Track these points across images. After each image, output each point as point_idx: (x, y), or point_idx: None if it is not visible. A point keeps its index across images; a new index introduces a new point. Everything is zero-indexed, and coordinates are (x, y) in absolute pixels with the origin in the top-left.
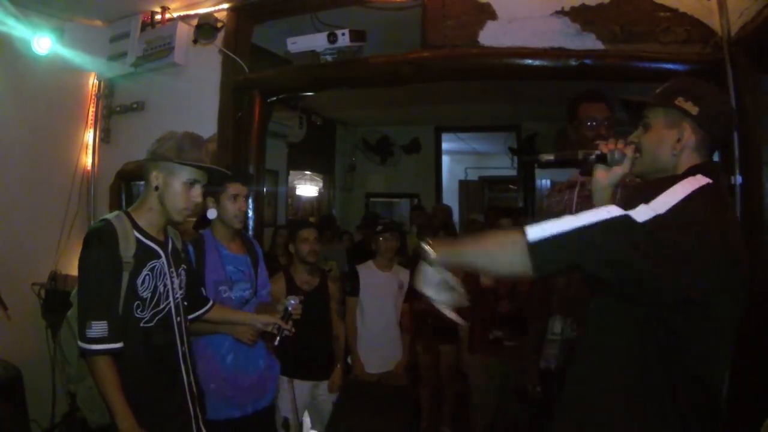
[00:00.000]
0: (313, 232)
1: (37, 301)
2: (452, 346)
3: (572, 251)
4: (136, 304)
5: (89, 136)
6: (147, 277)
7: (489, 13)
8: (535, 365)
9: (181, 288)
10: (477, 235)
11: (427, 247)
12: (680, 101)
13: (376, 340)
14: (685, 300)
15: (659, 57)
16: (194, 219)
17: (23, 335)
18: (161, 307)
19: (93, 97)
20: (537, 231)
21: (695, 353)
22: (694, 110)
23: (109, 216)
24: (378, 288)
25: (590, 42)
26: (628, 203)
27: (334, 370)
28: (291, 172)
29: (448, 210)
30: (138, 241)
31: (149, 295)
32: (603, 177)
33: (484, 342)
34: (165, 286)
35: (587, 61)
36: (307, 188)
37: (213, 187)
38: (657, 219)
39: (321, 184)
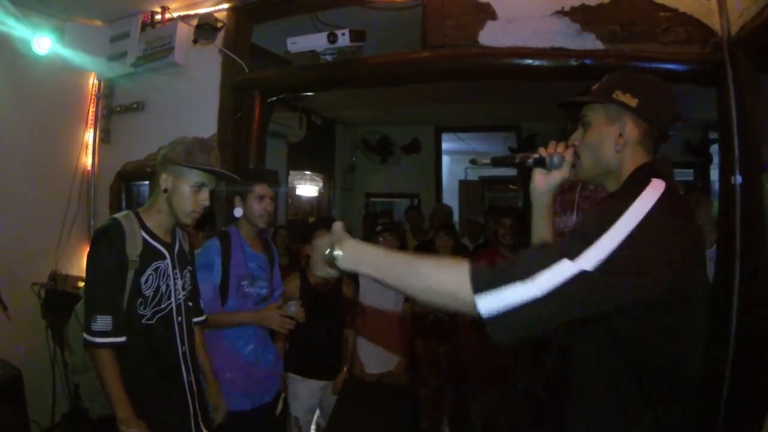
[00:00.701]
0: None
1: (37, 301)
2: (452, 346)
3: (531, 324)
4: (139, 301)
5: (89, 136)
6: (151, 276)
7: (489, 13)
8: (543, 368)
9: (184, 289)
10: (415, 252)
11: (336, 249)
12: (618, 94)
13: (377, 339)
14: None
15: (659, 57)
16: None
17: (23, 335)
18: (162, 306)
19: (93, 97)
20: (488, 302)
21: (647, 346)
22: (633, 102)
23: (119, 215)
24: (377, 288)
25: (590, 42)
26: (586, 221)
27: (341, 371)
28: (291, 172)
29: (448, 210)
30: (144, 241)
31: (151, 293)
32: (542, 181)
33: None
34: (168, 286)
35: (587, 61)
36: (307, 188)
37: (240, 187)
38: (607, 263)
39: (321, 184)
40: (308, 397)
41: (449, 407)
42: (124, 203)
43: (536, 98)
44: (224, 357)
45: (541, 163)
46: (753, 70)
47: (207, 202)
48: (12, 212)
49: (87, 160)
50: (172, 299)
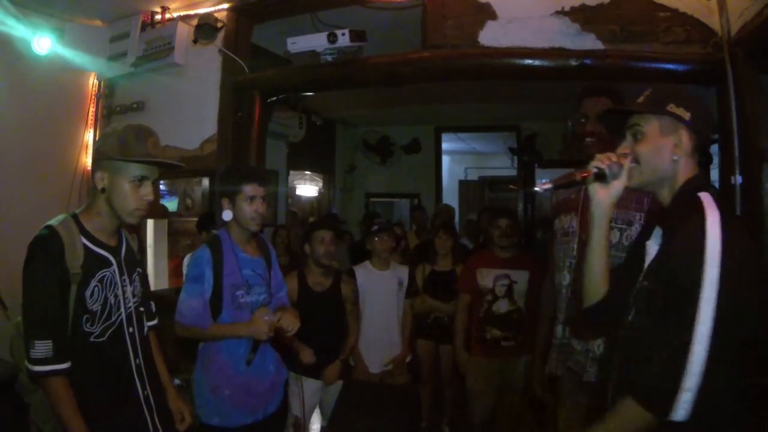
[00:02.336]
0: (330, 234)
1: None
2: (452, 346)
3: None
4: (85, 318)
5: (89, 136)
6: (96, 288)
7: (489, 13)
8: (543, 369)
9: (135, 296)
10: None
11: None
12: (672, 107)
13: (378, 339)
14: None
15: (659, 57)
16: (195, 219)
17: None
18: (113, 319)
19: (93, 97)
20: (682, 409)
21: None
22: (686, 115)
23: (54, 222)
24: (377, 288)
25: (590, 42)
26: (645, 232)
27: (336, 360)
28: (291, 172)
29: (450, 211)
30: (86, 248)
31: (99, 308)
32: (604, 195)
33: (480, 342)
34: (116, 296)
35: (587, 61)
36: (307, 188)
37: (227, 188)
38: (730, 276)
39: (321, 184)
40: (308, 397)
41: (449, 407)
42: None
43: (536, 98)
44: (222, 373)
45: (601, 176)
46: (753, 70)
47: (151, 197)
48: (12, 212)
49: (87, 160)
50: (122, 309)
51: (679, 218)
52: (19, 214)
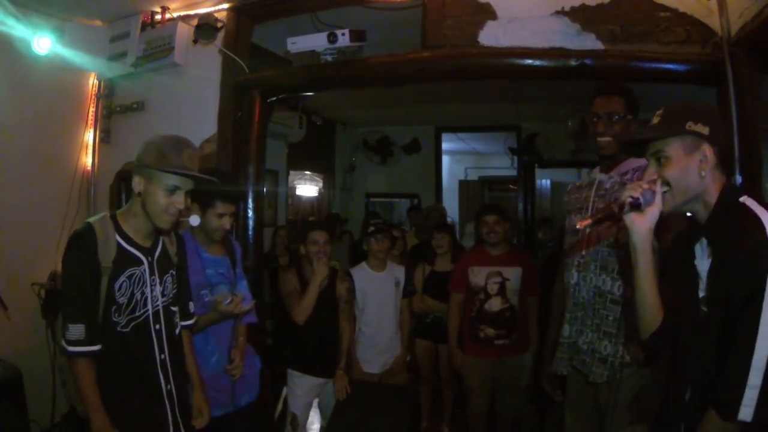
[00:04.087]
0: (323, 235)
1: (37, 301)
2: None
3: None
4: (113, 308)
5: (89, 136)
6: (124, 283)
7: (489, 13)
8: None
9: (164, 295)
10: None
11: None
12: (691, 125)
13: (378, 340)
14: None
15: (659, 57)
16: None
17: (23, 335)
18: (137, 314)
19: (93, 97)
20: (748, 407)
21: None
22: (705, 131)
23: (93, 219)
24: (375, 289)
25: (590, 42)
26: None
27: (337, 370)
28: (291, 172)
29: (442, 211)
30: (119, 246)
31: (125, 301)
32: (642, 222)
33: (474, 341)
34: (143, 294)
35: (587, 61)
36: (307, 188)
37: (202, 197)
38: None
39: (321, 184)
40: (305, 394)
41: (449, 407)
42: (124, 203)
43: (536, 98)
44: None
45: (636, 205)
46: (753, 70)
47: (181, 206)
48: (12, 212)
49: (87, 160)
50: (149, 306)
51: (729, 226)
52: (19, 214)
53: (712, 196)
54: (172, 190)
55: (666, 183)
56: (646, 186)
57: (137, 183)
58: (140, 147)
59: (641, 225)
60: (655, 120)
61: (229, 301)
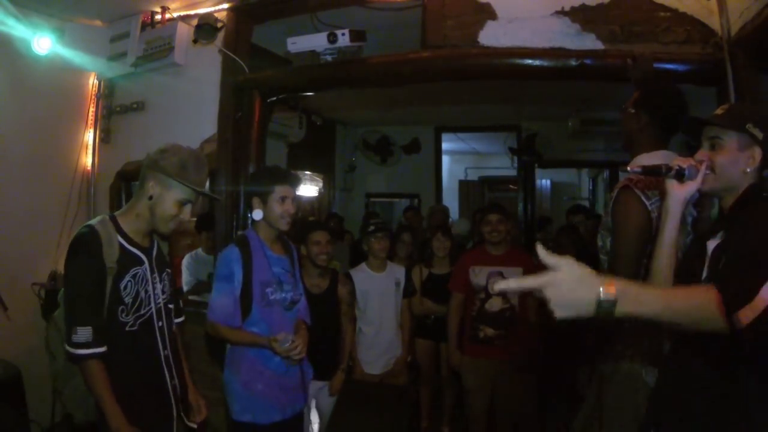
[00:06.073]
0: (325, 235)
1: (37, 301)
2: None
3: None
4: (120, 308)
5: (89, 136)
6: (129, 282)
7: (489, 13)
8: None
9: (164, 293)
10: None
11: (603, 288)
12: (750, 127)
13: (378, 340)
14: None
15: (659, 57)
16: (194, 219)
17: (23, 335)
18: (142, 312)
19: (93, 97)
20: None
21: None
22: (760, 135)
23: (93, 222)
24: (375, 289)
25: (590, 42)
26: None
27: (338, 371)
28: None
29: (445, 211)
30: (121, 246)
31: (131, 300)
32: (679, 190)
33: (473, 341)
34: (147, 292)
35: (587, 61)
36: (307, 188)
37: (260, 188)
38: None
39: (321, 184)
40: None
41: (449, 407)
42: (124, 203)
43: (536, 98)
44: (254, 369)
45: (680, 174)
46: (753, 70)
47: (188, 217)
48: (12, 212)
49: (87, 160)
50: (152, 304)
51: (744, 211)
52: (19, 214)
53: (739, 192)
54: (184, 203)
55: (711, 167)
56: (694, 162)
57: (152, 186)
58: (158, 152)
59: (678, 192)
60: (719, 111)
61: (288, 343)
